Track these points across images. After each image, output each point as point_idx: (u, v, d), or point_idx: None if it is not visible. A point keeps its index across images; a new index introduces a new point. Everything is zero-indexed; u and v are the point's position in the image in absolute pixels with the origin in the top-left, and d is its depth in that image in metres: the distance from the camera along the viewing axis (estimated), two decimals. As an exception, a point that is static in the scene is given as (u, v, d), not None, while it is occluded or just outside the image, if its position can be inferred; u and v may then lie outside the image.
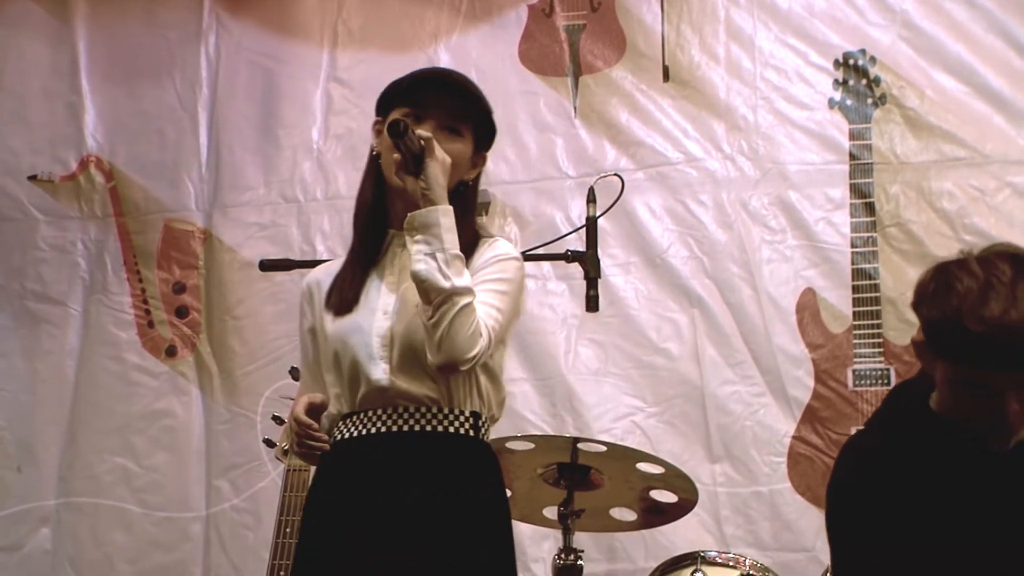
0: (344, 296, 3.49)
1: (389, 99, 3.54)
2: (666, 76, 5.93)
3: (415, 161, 3.32)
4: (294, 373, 4.73)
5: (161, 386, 6.15)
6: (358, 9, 6.24)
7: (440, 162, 3.33)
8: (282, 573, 4.50)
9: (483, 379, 3.45)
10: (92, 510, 6.09)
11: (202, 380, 6.14)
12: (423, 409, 3.41)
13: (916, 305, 3.15)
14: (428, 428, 3.40)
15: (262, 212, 6.17)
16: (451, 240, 3.30)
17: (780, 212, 5.75)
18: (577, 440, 4.59)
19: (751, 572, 4.56)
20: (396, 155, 3.33)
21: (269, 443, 4.72)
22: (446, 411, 3.42)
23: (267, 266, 4.93)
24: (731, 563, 4.62)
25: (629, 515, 4.79)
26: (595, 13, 6.02)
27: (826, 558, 4.74)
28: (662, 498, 4.74)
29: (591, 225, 4.15)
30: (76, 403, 6.18)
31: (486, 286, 3.39)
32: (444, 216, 3.31)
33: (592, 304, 4.00)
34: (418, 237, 3.30)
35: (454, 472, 3.42)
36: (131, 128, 6.34)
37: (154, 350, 6.19)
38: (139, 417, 6.14)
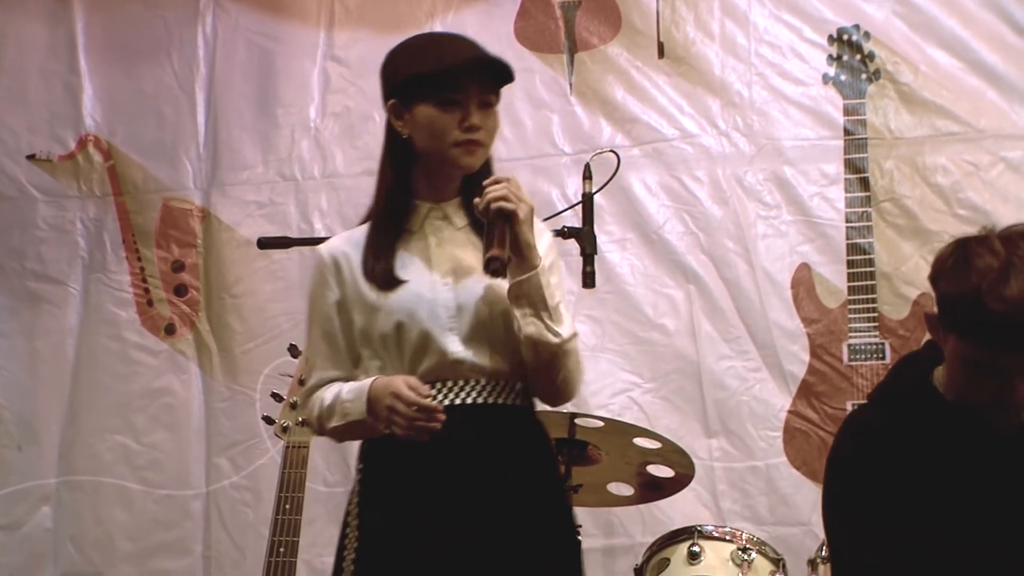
0: (385, 268, 3.42)
1: (416, 85, 3.44)
2: (661, 53, 5.92)
3: (507, 220, 3.27)
4: (293, 351, 4.73)
5: (161, 364, 6.16)
6: (356, -12, 6.24)
7: (526, 222, 3.29)
8: (282, 550, 4.50)
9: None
10: (92, 488, 6.09)
11: (201, 358, 6.14)
12: (492, 383, 3.39)
13: (933, 278, 3.14)
14: (499, 401, 3.40)
15: (260, 191, 6.17)
16: (552, 295, 3.34)
17: (775, 188, 5.75)
18: (574, 416, 4.60)
19: (747, 546, 4.57)
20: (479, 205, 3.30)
21: (268, 420, 4.71)
22: (510, 384, 3.41)
23: (265, 244, 4.93)
24: (727, 537, 4.62)
25: (626, 490, 4.80)
26: (591, -10, 6.03)
27: (822, 532, 4.75)
28: (659, 473, 4.75)
29: (587, 202, 4.14)
30: (76, 382, 6.18)
31: (554, 281, 3.42)
32: (542, 275, 3.32)
33: (588, 280, 3.99)
34: (524, 303, 3.32)
35: (524, 446, 3.43)
36: (129, 108, 6.33)
37: (153, 328, 6.19)
38: (139, 395, 6.15)
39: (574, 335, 3.36)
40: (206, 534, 6.01)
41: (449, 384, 3.37)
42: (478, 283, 3.37)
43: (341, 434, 3.50)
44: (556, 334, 3.31)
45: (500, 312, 3.36)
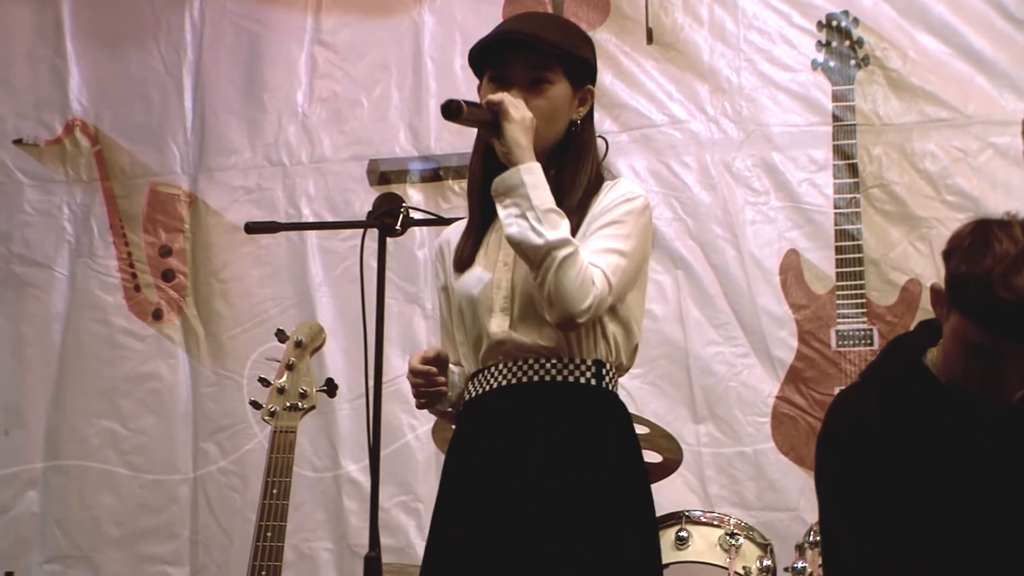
0: (462, 254, 3.48)
1: (477, 64, 3.49)
2: (650, 38, 5.91)
3: (494, 128, 3.29)
4: (280, 336, 4.70)
5: (147, 349, 6.15)
6: (343, -28, 6.23)
7: (518, 122, 3.28)
8: (269, 534, 4.48)
9: (611, 326, 3.41)
10: (79, 473, 6.09)
11: (188, 343, 6.13)
12: (542, 360, 3.37)
13: (947, 253, 3.14)
14: (548, 378, 3.37)
15: (247, 175, 6.16)
16: (540, 196, 3.24)
17: (764, 174, 5.75)
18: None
19: (735, 531, 4.58)
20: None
21: (256, 405, 4.68)
22: (566, 360, 3.37)
23: (253, 229, 4.88)
24: (715, 522, 4.64)
25: (615, 475, 4.78)
26: (579, -25, 6.02)
27: (810, 517, 4.76)
28: (647, 458, 4.71)
29: (576, 186, 4.12)
30: (62, 366, 6.18)
31: (605, 230, 3.34)
32: (528, 174, 3.25)
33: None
34: (506, 201, 3.27)
35: (575, 421, 3.37)
36: (116, 92, 6.33)
37: (140, 313, 6.18)
38: (125, 380, 6.14)
39: (566, 242, 3.22)
40: (193, 519, 6.01)
41: (499, 366, 3.40)
42: None
43: (425, 408, 3.59)
44: (540, 234, 3.20)
45: None
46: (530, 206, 3.23)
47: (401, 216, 3.86)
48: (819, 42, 5.76)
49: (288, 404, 4.57)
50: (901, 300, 5.53)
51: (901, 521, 3.22)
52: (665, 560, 4.53)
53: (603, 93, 5.88)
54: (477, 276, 3.44)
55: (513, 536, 3.30)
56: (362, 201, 5.77)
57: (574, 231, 3.30)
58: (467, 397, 3.49)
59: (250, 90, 6.22)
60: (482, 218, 3.48)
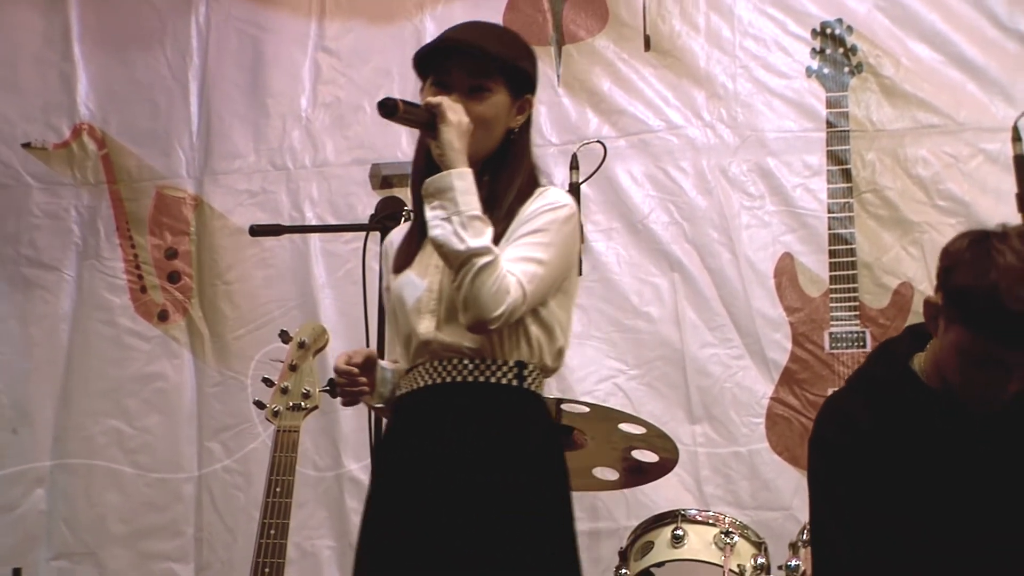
0: (401, 254, 3.52)
1: (421, 68, 3.53)
2: (647, 45, 5.93)
3: (430, 129, 3.32)
4: (283, 336, 4.72)
5: (153, 349, 6.16)
6: (346, -21, 6.25)
7: (455, 126, 3.31)
8: (272, 532, 4.50)
9: (534, 329, 3.42)
10: (86, 471, 6.10)
11: (194, 344, 6.14)
12: (465, 361, 3.40)
13: (947, 270, 3.13)
14: (470, 379, 3.40)
15: (252, 179, 6.17)
16: (467, 201, 3.26)
17: (759, 178, 5.76)
18: (561, 401, 4.60)
19: (730, 530, 4.58)
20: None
21: (260, 405, 4.70)
22: (488, 362, 3.39)
23: (257, 231, 4.94)
24: (711, 521, 4.64)
25: (611, 474, 4.80)
26: (579, -16, 6.03)
27: (803, 516, 4.77)
28: (643, 458, 4.75)
29: (574, 191, 4.16)
30: (70, 366, 6.18)
31: (527, 239, 3.36)
32: (459, 179, 3.28)
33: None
34: (435, 203, 3.28)
35: (495, 420, 3.40)
36: (123, 96, 6.33)
37: (146, 314, 6.19)
38: (132, 380, 6.15)
39: (486, 250, 3.24)
40: (198, 516, 6.01)
41: (427, 366, 3.43)
42: None
43: (349, 404, 3.63)
44: (462, 240, 3.23)
45: None
46: (456, 211, 3.26)
47: (403, 219, 3.90)
48: (813, 49, 5.78)
49: (291, 404, 4.59)
50: (893, 303, 5.54)
51: (891, 522, 3.23)
52: (661, 558, 4.59)
53: (601, 99, 5.92)
54: (410, 278, 3.47)
55: (433, 536, 3.33)
56: (364, 205, 5.78)
57: (501, 236, 3.34)
58: (398, 393, 3.52)
59: (254, 95, 6.23)
60: (423, 219, 3.45)
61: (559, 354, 3.51)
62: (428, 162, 3.42)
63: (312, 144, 6.15)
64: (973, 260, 3.07)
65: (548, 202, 3.42)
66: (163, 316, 6.18)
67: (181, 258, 6.19)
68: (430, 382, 3.41)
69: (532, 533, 3.38)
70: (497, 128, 3.46)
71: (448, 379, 3.40)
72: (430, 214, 3.28)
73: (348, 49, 6.16)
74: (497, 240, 3.31)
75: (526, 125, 3.55)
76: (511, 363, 3.41)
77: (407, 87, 6.03)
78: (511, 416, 3.43)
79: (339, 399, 3.57)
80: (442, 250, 3.27)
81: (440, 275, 3.41)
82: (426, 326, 3.41)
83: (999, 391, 3.15)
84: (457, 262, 3.24)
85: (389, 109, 3.29)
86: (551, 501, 3.47)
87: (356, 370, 3.45)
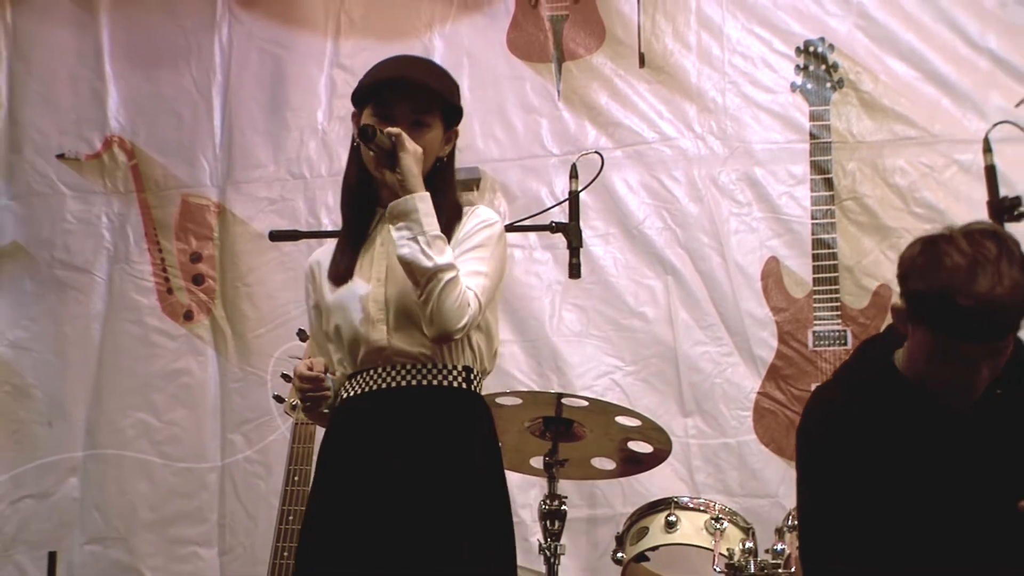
0: (339, 269, 3.52)
1: (360, 97, 3.56)
2: (642, 62, 5.91)
3: (389, 157, 3.36)
4: (301, 335, 4.72)
5: (179, 347, 6.14)
6: (359, 0, 6.21)
7: (412, 153, 3.37)
8: (291, 518, 4.49)
9: (476, 336, 3.48)
10: (116, 461, 6.08)
11: (217, 342, 6.12)
12: (419, 365, 3.43)
13: (903, 276, 3.15)
14: (424, 382, 3.43)
15: (271, 188, 6.16)
16: (430, 223, 3.34)
17: (746, 187, 5.75)
18: (561, 396, 4.60)
19: (720, 516, 4.57)
20: (371, 153, 3.39)
21: (279, 399, 4.70)
22: (440, 366, 3.44)
23: (276, 237, 4.92)
24: (702, 508, 4.63)
25: (609, 464, 4.79)
26: (577, 4, 6.01)
27: (788, 503, 4.76)
28: (639, 449, 4.73)
29: (573, 199, 4.13)
30: (101, 363, 6.16)
31: (471, 253, 3.44)
32: (421, 202, 3.35)
33: (574, 271, 3.98)
34: (400, 224, 3.34)
35: (448, 421, 3.44)
36: (151, 111, 6.32)
37: (172, 314, 6.17)
38: (159, 376, 6.13)
39: (450, 267, 3.32)
40: (221, 504, 5.99)
41: (378, 370, 3.44)
42: (403, 278, 3.40)
43: (312, 419, 3.70)
44: (429, 258, 3.30)
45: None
46: (421, 231, 3.32)
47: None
48: (797, 66, 5.77)
49: (309, 399, 4.57)
50: (872, 304, 5.53)
51: (874, 509, 3.22)
52: (655, 543, 4.58)
53: (599, 112, 5.91)
54: (354, 289, 3.48)
55: (386, 535, 3.34)
56: (377, 212, 5.78)
57: None
58: (344, 396, 3.52)
59: (274, 109, 6.22)
60: (357, 233, 3.54)
61: (495, 356, 3.59)
62: (360, 180, 3.52)
63: (328, 155, 6.14)
64: (924, 264, 3.08)
65: (482, 220, 3.51)
66: (188, 316, 6.17)
67: (205, 261, 6.18)
68: (383, 385, 3.44)
69: (486, 528, 3.46)
70: (431, 158, 3.50)
71: (404, 383, 3.43)
72: (397, 234, 3.34)
73: (362, 66, 6.00)
74: None
75: (452, 153, 3.62)
76: (460, 367, 3.47)
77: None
78: (464, 417, 3.49)
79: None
80: (409, 267, 3.32)
81: (382, 287, 3.45)
82: (378, 334, 3.42)
83: (970, 383, 3.14)
84: (424, 278, 3.30)
85: (369, 135, 3.34)
86: (497, 497, 3.52)
87: (323, 376, 3.46)
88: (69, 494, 6.10)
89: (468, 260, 3.41)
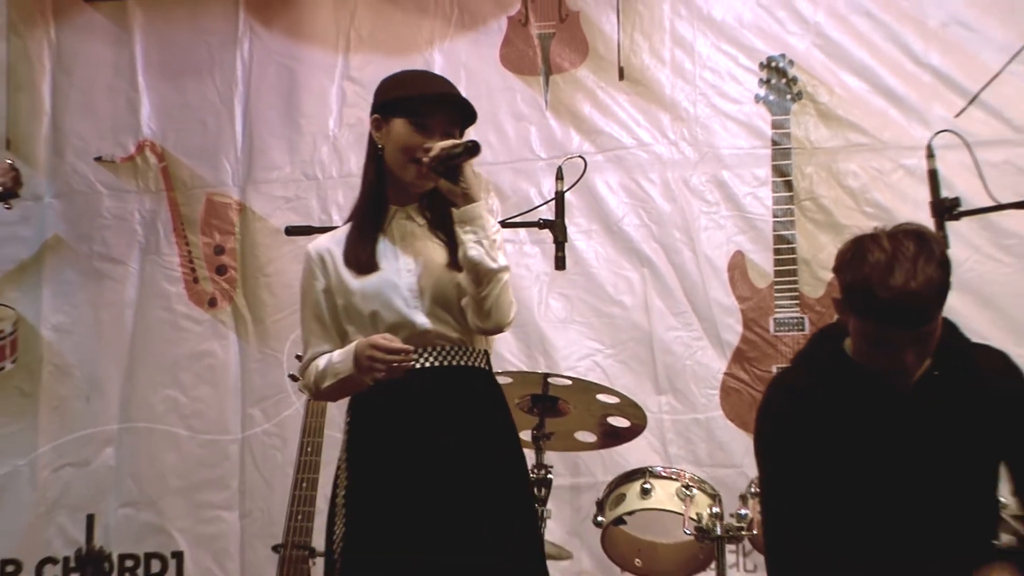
0: (361, 259, 3.48)
1: (393, 106, 3.51)
2: (621, 76, 5.91)
3: (454, 168, 3.37)
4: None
5: (204, 331, 6.13)
6: (367, 19, 6.20)
7: (471, 165, 3.40)
8: (304, 485, 4.49)
9: None
10: (148, 433, 6.07)
11: (238, 326, 6.11)
12: (454, 348, 3.45)
13: (836, 270, 3.20)
14: (462, 363, 3.45)
15: (287, 187, 6.14)
16: (492, 228, 3.39)
17: (715, 188, 5.75)
18: (547, 375, 4.61)
19: (690, 484, 4.57)
20: (426, 159, 3.37)
21: (293, 378, 4.70)
22: (469, 349, 3.47)
23: (292, 232, 4.92)
24: (673, 476, 4.62)
25: (590, 437, 4.79)
26: (563, 23, 6.00)
27: (751, 472, 4.74)
28: (617, 423, 4.73)
29: (559, 198, 4.13)
30: (134, 345, 6.15)
31: None
32: (484, 209, 3.39)
33: (560, 263, 3.99)
34: (467, 228, 3.36)
35: (483, 399, 3.49)
36: (179, 118, 6.30)
37: (198, 302, 6.16)
38: (186, 357, 6.12)
39: (507, 268, 3.39)
40: (241, 472, 5.99)
41: (419, 350, 3.41)
42: (435, 269, 3.43)
43: (334, 392, 3.54)
44: (494, 259, 3.35)
45: (454, 292, 3.42)
46: (486, 235, 3.37)
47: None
48: (761, 79, 5.77)
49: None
50: (827, 293, 5.53)
51: (827, 479, 3.23)
52: (632, 508, 4.58)
53: (582, 120, 5.90)
54: (386, 278, 3.45)
55: (446, 505, 3.34)
56: (382, 209, 5.77)
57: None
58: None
59: (289, 116, 6.20)
60: (373, 227, 3.51)
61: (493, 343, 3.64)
62: (379, 180, 3.52)
63: (338, 158, 6.12)
64: (851, 259, 3.12)
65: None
66: (212, 303, 6.15)
67: (227, 254, 6.16)
68: (428, 364, 3.42)
69: (523, 476, 3.57)
70: None
71: (439, 363, 3.42)
72: (465, 237, 3.36)
73: (369, 78, 6.12)
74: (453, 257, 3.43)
75: None
76: (481, 351, 3.50)
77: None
78: (493, 395, 3.54)
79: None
80: (476, 267, 3.35)
81: (414, 276, 3.44)
82: (421, 318, 3.41)
83: (900, 366, 3.16)
84: (487, 278, 3.35)
85: (476, 151, 3.36)
86: (521, 456, 3.57)
87: (411, 348, 3.38)
88: (105, 463, 6.08)
89: None
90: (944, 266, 3.09)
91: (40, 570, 6.03)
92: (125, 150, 6.32)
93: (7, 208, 3.27)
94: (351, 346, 3.40)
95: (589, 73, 5.93)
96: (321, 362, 3.49)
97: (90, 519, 5.80)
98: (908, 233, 3.11)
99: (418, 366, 3.40)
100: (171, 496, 6.02)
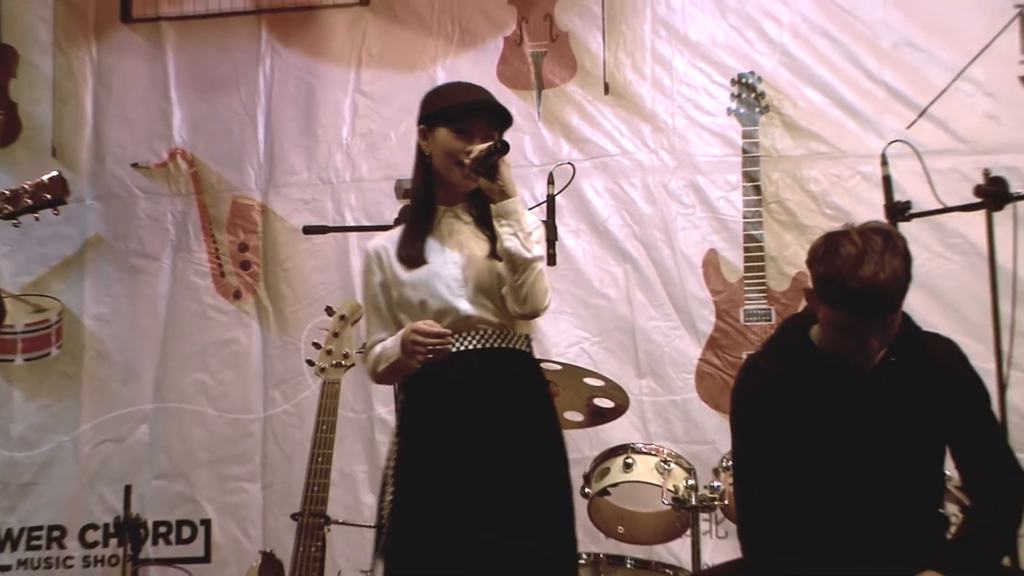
0: (412, 254, 3.51)
1: (437, 116, 3.54)
2: (606, 90, 5.90)
3: (491, 167, 3.39)
4: (328, 311, 4.71)
5: (229, 321, 6.12)
6: (377, 39, 6.18)
7: (507, 164, 3.41)
8: (320, 459, 4.47)
9: None
10: (179, 413, 6.06)
11: (260, 316, 6.10)
12: (498, 332, 3.45)
13: (809, 263, 3.20)
14: (505, 346, 3.45)
15: (305, 191, 6.13)
16: (527, 221, 3.40)
17: (691, 192, 5.75)
18: (540, 361, 4.55)
19: (668, 459, 4.57)
20: (467, 160, 3.42)
21: (310, 363, 4.69)
22: (509, 334, 3.46)
23: (309, 231, 4.99)
24: (653, 452, 4.62)
25: (578, 417, 4.78)
26: (554, 43, 5.99)
27: (723, 448, 4.76)
28: (602, 404, 4.73)
29: (550, 201, 4.13)
30: (166, 333, 6.14)
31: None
32: (520, 204, 3.40)
33: (551, 260, 3.98)
34: (504, 222, 3.37)
35: (524, 379, 3.49)
36: (208, 128, 6.29)
37: (224, 294, 6.15)
38: (213, 344, 6.11)
39: (541, 258, 3.40)
40: (263, 448, 5.98)
41: (464, 335, 3.42)
42: (478, 261, 3.45)
43: (388, 375, 3.56)
44: (528, 250, 3.35)
45: (495, 280, 3.43)
46: (521, 228, 3.36)
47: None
48: (732, 94, 5.76)
49: (334, 362, 4.58)
50: (792, 287, 5.53)
51: (793, 453, 3.26)
52: (615, 480, 4.58)
53: (572, 131, 5.90)
54: (434, 270, 3.47)
55: (496, 476, 3.33)
56: (390, 210, 5.69)
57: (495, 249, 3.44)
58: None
59: (307, 127, 6.18)
60: (423, 226, 3.52)
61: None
62: (427, 184, 3.53)
63: (351, 164, 6.11)
64: (824, 253, 3.12)
65: (533, 221, 3.51)
66: (237, 295, 6.15)
67: (251, 251, 6.16)
68: (472, 347, 3.42)
69: (560, 449, 3.53)
70: None
71: (489, 345, 3.43)
72: (501, 230, 3.37)
73: (379, 92, 6.13)
74: (494, 250, 3.43)
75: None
76: (522, 335, 3.49)
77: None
78: (534, 375, 3.54)
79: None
80: (512, 257, 3.35)
81: (459, 268, 3.44)
82: (465, 304, 3.42)
83: (864, 351, 3.18)
84: (523, 267, 3.35)
85: (505, 149, 3.38)
86: (559, 433, 3.56)
87: (450, 332, 3.41)
88: (141, 439, 6.08)
89: None
90: (907, 260, 3.10)
91: (83, 535, 6.05)
92: (159, 157, 6.30)
93: (55, 214, 3.28)
94: (400, 332, 3.44)
95: (577, 88, 5.92)
96: (377, 349, 3.53)
97: (127, 489, 5.77)
98: (876, 230, 3.13)
99: (462, 348, 3.42)
100: (200, 469, 6.02)
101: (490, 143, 3.43)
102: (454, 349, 3.41)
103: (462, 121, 3.49)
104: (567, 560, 3.43)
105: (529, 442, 3.39)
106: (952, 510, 3.42)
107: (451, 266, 3.45)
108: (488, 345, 3.43)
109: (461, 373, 3.42)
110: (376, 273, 3.56)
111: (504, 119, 3.55)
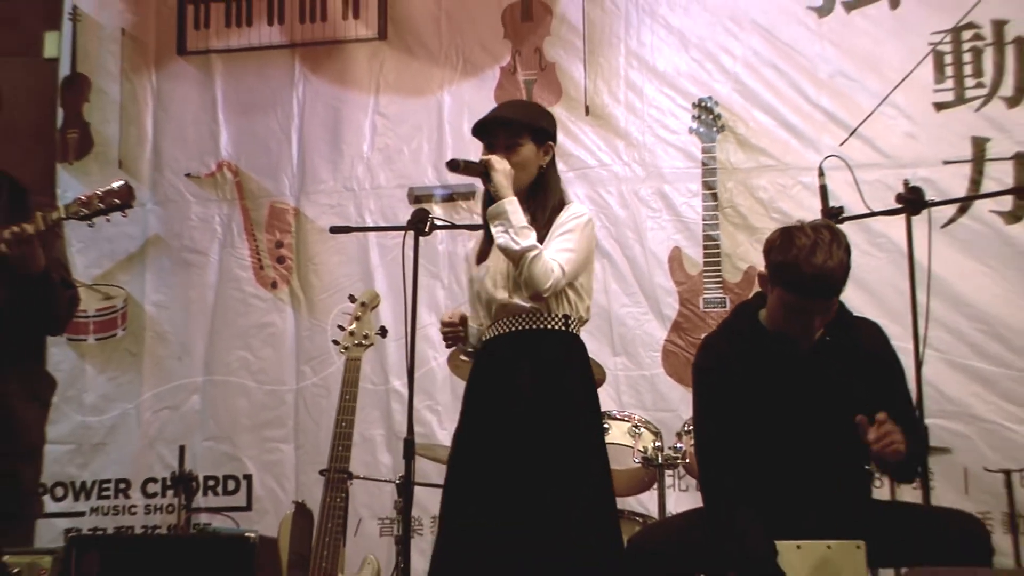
0: (479, 254, 3.55)
1: (477, 135, 3.56)
2: (587, 112, 5.89)
3: (486, 176, 3.38)
4: (351, 298, 4.69)
5: (267, 307, 6.11)
6: (393, 68, 6.15)
7: (501, 171, 3.37)
8: (344, 424, 4.45)
9: (571, 295, 3.44)
10: (224, 384, 6.06)
11: (293, 303, 6.09)
12: (531, 316, 3.39)
13: (766, 252, 3.21)
14: (536, 327, 3.39)
15: (331, 197, 6.11)
16: (516, 218, 3.32)
17: (659, 198, 5.73)
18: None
19: (638, 424, 4.59)
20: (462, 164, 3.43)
21: (335, 342, 4.67)
22: (546, 315, 3.40)
23: (335, 231, 4.97)
24: (626, 418, 4.64)
25: (562, 388, 4.75)
26: (543, 71, 5.97)
27: (685, 415, 4.75)
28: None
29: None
30: (214, 317, 6.13)
31: (562, 237, 3.39)
32: (508, 204, 3.34)
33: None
34: (495, 222, 3.34)
35: (551, 353, 3.40)
36: (249, 143, 6.28)
37: (263, 284, 6.14)
38: (254, 326, 6.10)
39: (533, 247, 3.31)
40: (296, 414, 5.97)
41: (503, 320, 3.43)
42: None
43: (458, 358, 3.75)
44: (517, 243, 3.29)
45: None
46: (510, 225, 3.31)
47: (428, 223, 3.86)
48: (693, 116, 5.75)
49: (356, 342, 4.56)
50: (744, 279, 5.53)
51: (743, 417, 3.26)
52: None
53: (557, 147, 5.82)
54: (487, 266, 3.48)
55: (531, 438, 3.29)
56: (404, 214, 5.66)
57: (545, 238, 3.37)
58: (484, 338, 3.50)
59: (334, 143, 6.17)
60: (488, 229, 3.49)
61: (588, 309, 3.53)
62: (488, 198, 3.47)
63: (370, 175, 6.09)
64: (781, 243, 3.12)
65: (573, 212, 3.47)
66: (274, 285, 6.14)
67: (285, 248, 6.15)
68: (508, 330, 3.41)
69: (595, 421, 3.51)
70: (531, 168, 3.48)
71: (518, 328, 3.40)
72: (494, 229, 3.35)
73: (394, 113, 6.12)
74: (543, 240, 3.36)
75: (552, 161, 3.58)
76: (559, 315, 3.41)
77: (431, 138, 6.04)
78: (562, 350, 3.44)
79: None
80: (506, 252, 3.33)
81: (505, 263, 3.40)
82: (503, 294, 3.40)
83: (808, 327, 3.18)
84: (515, 257, 3.31)
85: (452, 167, 3.38)
86: (596, 408, 3.52)
87: (457, 323, 3.49)
88: (193, 407, 6.07)
89: (561, 240, 3.37)
90: (848, 252, 3.12)
91: (145, 487, 6.04)
92: (208, 168, 6.29)
93: (123, 216, 3.30)
94: None
95: (562, 110, 5.89)
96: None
97: (182, 449, 5.79)
98: (824, 226, 3.15)
99: (496, 334, 3.43)
100: (242, 432, 6.01)
101: (487, 156, 3.43)
102: (492, 335, 3.44)
103: (486, 135, 3.51)
104: (592, 544, 3.26)
105: (554, 425, 3.30)
106: (872, 466, 3.40)
107: (501, 262, 3.43)
108: (519, 328, 3.40)
109: (487, 358, 3.45)
110: (467, 271, 3.69)
111: (522, 127, 3.47)
